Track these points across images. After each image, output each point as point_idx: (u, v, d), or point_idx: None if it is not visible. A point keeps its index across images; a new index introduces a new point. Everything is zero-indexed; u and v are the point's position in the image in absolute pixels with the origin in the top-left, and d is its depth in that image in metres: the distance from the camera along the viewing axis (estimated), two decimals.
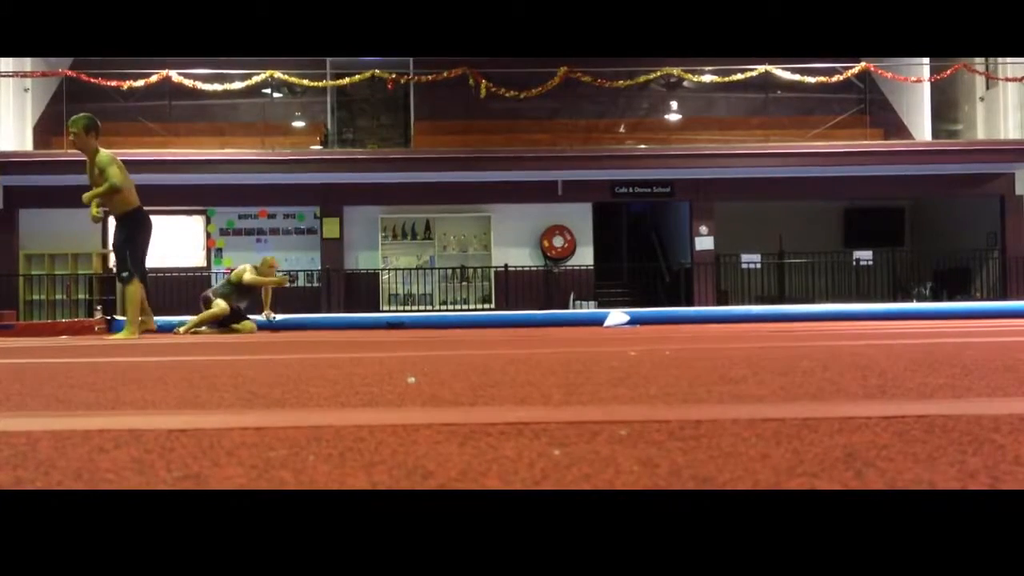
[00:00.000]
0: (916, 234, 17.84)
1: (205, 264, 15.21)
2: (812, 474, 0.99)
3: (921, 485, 0.93)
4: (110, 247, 14.93)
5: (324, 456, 1.14)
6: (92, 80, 13.67)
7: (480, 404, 1.75)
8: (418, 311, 14.08)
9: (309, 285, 14.98)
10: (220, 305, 8.81)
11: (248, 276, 9.04)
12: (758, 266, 15.33)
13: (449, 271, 15.30)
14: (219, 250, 15.29)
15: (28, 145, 14.72)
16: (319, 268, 14.94)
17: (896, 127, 16.16)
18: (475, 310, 14.55)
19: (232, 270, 9.45)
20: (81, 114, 7.12)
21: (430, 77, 14.37)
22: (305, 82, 14.45)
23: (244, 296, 9.16)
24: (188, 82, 13.80)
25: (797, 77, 14.29)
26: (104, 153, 7.08)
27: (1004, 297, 14.42)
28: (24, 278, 14.57)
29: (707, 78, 14.78)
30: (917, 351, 3.47)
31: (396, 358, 3.56)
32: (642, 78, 14.57)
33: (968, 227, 16.27)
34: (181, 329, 8.62)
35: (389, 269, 15.27)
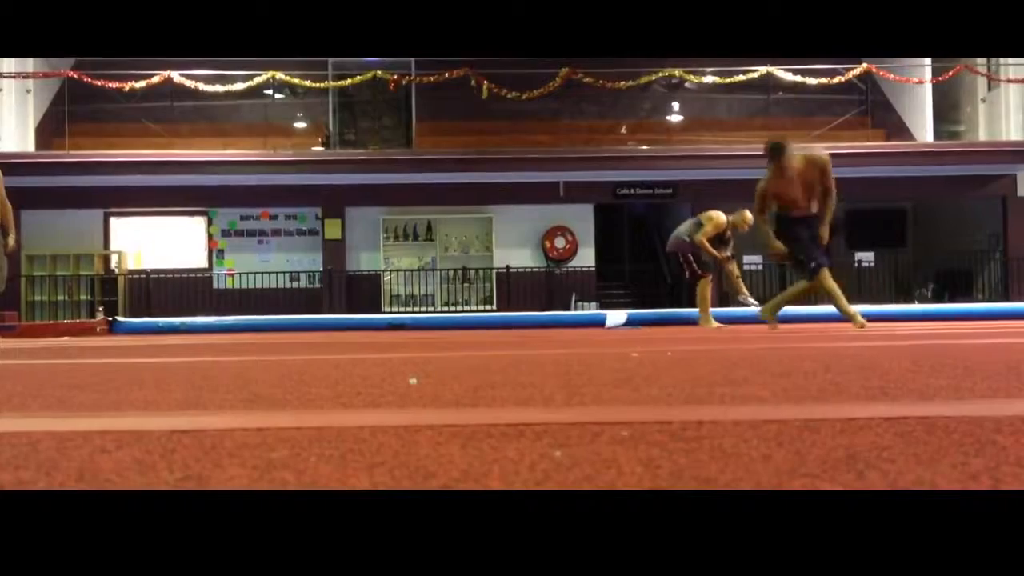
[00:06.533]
0: (918, 235, 17.80)
1: (207, 265, 15.21)
2: (814, 475, 0.99)
3: (923, 486, 0.93)
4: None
5: (326, 457, 1.14)
6: (94, 81, 13.67)
7: (482, 405, 1.75)
8: (420, 312, 14.07)
9: (310, 286, 14.98)
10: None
11: (702, 231, 7.45)
12: (760, 267, 15.33)
13: (451, 272, 15.29)
14: (220, 251, 15.29)
15: (30, 146, 14.72)
16: (321, 269, 14.93)
17: (898, 128, 16.14)
18: (477, 311, 14.54)
19: None
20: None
21: (432, 78, 14.35)
22: (307, 83, 14.44)
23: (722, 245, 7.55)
24: (190, 83, 13.79)
25: (799, 78, 14.27)
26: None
27: (1006, 299, 14.39)
28: (26, 279, 14.57)
29: (709, 79, 14.76)
30: (919, 352, 3.47)
31: (398, 359, 3.56)
32: (644, 79, 14.54)
33: (970, 228, 16.23)
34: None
35: (391, 270, 15.27)
